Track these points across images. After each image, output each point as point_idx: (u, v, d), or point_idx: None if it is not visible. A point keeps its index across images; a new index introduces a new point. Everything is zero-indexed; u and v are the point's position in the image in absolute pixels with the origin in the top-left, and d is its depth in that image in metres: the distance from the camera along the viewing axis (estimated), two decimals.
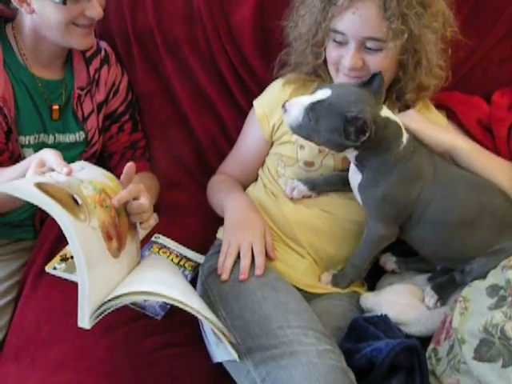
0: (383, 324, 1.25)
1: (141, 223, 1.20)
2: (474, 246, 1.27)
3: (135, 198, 1.16)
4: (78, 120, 1.51)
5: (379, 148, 1.22)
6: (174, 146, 1.71)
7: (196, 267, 1.47)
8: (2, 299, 1.38)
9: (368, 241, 1.32)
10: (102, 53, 1.54)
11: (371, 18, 1.25)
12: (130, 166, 1.17)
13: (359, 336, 1.23)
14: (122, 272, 1.10)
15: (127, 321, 1.29)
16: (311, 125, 1.20)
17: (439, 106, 1.50)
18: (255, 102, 1.51)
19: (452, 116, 1.50)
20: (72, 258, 1.37)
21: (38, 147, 1.44)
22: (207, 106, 1.70)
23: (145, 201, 1.17)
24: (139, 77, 1.66)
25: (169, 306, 1.31)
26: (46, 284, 1.38)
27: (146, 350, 1.25)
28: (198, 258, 1.50)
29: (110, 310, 1.00)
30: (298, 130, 1.24)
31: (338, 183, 1.39)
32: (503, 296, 1.10)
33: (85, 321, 0.97)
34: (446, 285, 1.33)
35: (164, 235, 1.55)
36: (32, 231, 1.56)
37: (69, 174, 1.04)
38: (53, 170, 1.05)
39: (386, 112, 1.22)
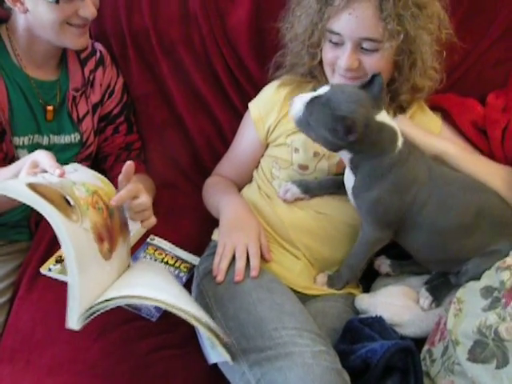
0: (378, 325, 1.25)
1: (142, 222, 1.20)
2: (470, 249, 1.27)
3: (135, 197, 1.16)
4: (73, 121, 1.51)
5: (373, 152, 1.22)
6: (170, 148, 1.71)
7: (191, 269, 1.47)
8: None
9: (362, 243, 1.33)
10: (97, 54, 1.53)
11: (367, 18, 1.26)
12: (129, 165, 1.17)
13: (354, 337, 1.23)
14: (112, 274, 1.10)
15: (122, 322, 1.29)
16: (307, 119, 1.22)
17: (434, 108, 1.51)
18: (250, 105, 1.51)
19: (447, 118, 1.50)
20: None
21: (33, 148, 1.43)
22: (203, 107, 1.70)
23: (145, 199, 1.18)
24: (135, 78, 1.66)
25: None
26: (41, 285, 1.37)
27: (140, 352, 1.25)
28: (194, 259, 1.50)
29: (99, 313, 1.00)
30: (298, 123, 1.25)
31: (332, 187, 1.39)
32: (497, 297, 1.10)
33: (73, 322, 0.97)
34: (441, 286, 1.33)
35: (159, 237, 1.55)
36: (27, 233, 1.56)
37: (61, 175, 1.04)
38: (46, 172, 1.05)
39: (382, 117, 1.22)
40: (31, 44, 1.40)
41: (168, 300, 1.02)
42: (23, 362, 1.23)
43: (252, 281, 1.24)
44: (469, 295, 1.17)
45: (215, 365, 1.20)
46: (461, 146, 1.45)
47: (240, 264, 1.26)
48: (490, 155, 1.45)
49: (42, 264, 1.40)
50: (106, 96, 1.57)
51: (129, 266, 1.20)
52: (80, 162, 1.53)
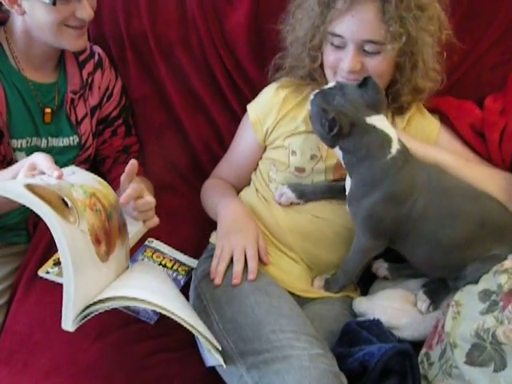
0: (376, 328, 1.25)
1: (144, 221, 1.21)
2: (471, 256, 1.26)
3: (139, 197, 1.17)
4: (71, 124, 1.51)
5: (359, 153, 1.22)
6: (168, 150, 1.71)
7: (189, 271, 1.47)
8: None
9: (356, 251, 1.32)
10: (96, 57, 1.54)
11: (370, 21, 1.26)
12: (132, 164, 1.17)
13: (352, 340, 1.23)
14: (109, 276, 1.10)
15: (120, 325, 1.29)
16: (312, 111, 1.26)
17: (432, 111, 1.51)
18: (249, 107, 1.51)
19: (445, 121, 1.50)
20: None
21: (31, 151, 1.43)
22: (201, 109, 1.70)
23: (150, 198, 1.19)
24: (133, 81, 1.66)
25: None
26: (38, 288, 1.37)
27: (138, 355, 1.24)
28: (192, 262, 1.50)
29: (94, 314, 1.00)
30: (309, 116, 1.29)
31: (327, 193, 1.39)
32: (495, 301, 1.10)
33: (68, 323, 0.97)
34: (439, 289, 1.33)
35: (157, 239, 1.55)
36: (25, 235, 1.56)
37: (59, 177, 1.04)
38: (44, 174, 1.05)
39: (375, 120, 1.22)
40: (29, 46, 1.40)
41: (161, 303, 1.02)
42: (21, 364, 1.22)
43: (250, 284, 1.24)
44: (467, 298, 1.17)
45: (213, 368, 1.21)
46: (458, 148, 1.45)
47: (238, 267, 1.26)
48: (488, 158, 1.45)
49: (40, 266, 1.40)
50: (105, 99, 1.57)
51: (127, 268, 1.20)
52: (78, 164, 1.54)
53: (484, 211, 1.27)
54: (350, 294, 1.42)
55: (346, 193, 1.29)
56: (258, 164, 1.52)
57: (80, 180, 1.11)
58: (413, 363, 1.17)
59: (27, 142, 1.45)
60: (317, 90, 1.27)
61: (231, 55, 1.64)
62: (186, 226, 1.62)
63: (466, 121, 1.48)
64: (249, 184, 1.54)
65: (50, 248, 1.43)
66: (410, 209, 1.23)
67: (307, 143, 1.39)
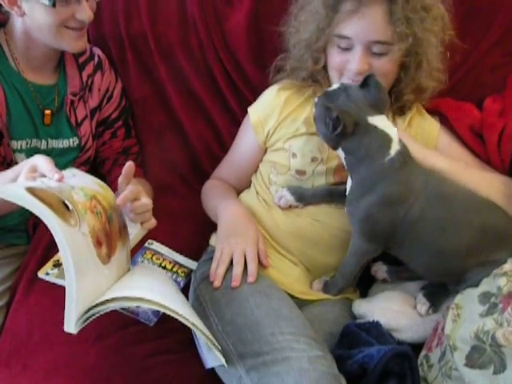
0: (375, 330, 1.25)
1: (142, 223, 1.21)
2: (472, 264, 1.25)
3: (136, 199, 1.17)
4: (71, 126, 1.51)
5: (359, 154, 1.22)
6: (168, 152, 1.71)
7: (189, 273, 1.47)
8: None
9: (352, 253, 1.32)
10: (96, 59, 1.54)
11: (378, 22, 1.27)
12: (129, 166, 1.17)
13: (351, 342, 1.22)
14: (110, 278, 1.10)
15: (119, 327, 1.28)
16: (316, 112, 1.26)
17: (432, 112, 1.51)
18: (250, 109, 1.51)
19: (444, 122, 1.50)
20: None
21: (31, 152, 1.43)
22: (200, 111, 1.70)
23: (146, 200, 1.19)
24: (133, 82, 1.66)
25: (161, 313, 1.31)
26: (38, 289, 1.37)
27: (137, 357, 1.24)
28: (191, 264, 1.50)
29: (97, 315, 1.00)
30: (314, 118, 1.29)
31: (326, 197, 1.38)
32: (494, 303, 1.10)
33: (71, 326, 0.97)
34: (438, 292, 1.33)
35: (157, 241, 1.55)
36: (25, 236, 1.56)
37: (60, 180, 1.04)
38: (44, 176, 1.05)
39: (376, 120, 1.22)
40: (29, 47, 1.40)
41: (164, 302, 1.02)
42: (20, 366, 1.22)
43: (249, 286, 1.23)
44: (467, 301, 1.17)
45: (212, 370, 1.20)
46: (458, 150, 1.45)
47: (237, 270, 1.25)
48: (487, 159, 1.45)
49: (40, 268, 1.40)
50: (105, 101, 1.57)
51: (128, 270, 1.20)
52: (78, 166, 1.54)
53: (485, 219, 1.25)
54: (350, 296, 1.42)
55: (347, 193, 1.29)
56: (258, 166, 1.52)
57: (80, 182, 1.11)
58: (412, 365, 1.16)
59: (27, 144, 1.45)
60: (320, 93, 1.28)
61: (231, 56, 1.64)
62: (186, 228, 1.62)
63: (464, 122, 1.49)
64: (249, 186, 1.54)
65: (50, 249, 1.43)
66: (406, 212, 1.22)
67: (308, 145, 1.39)
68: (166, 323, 1.29)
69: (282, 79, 1.50)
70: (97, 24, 1.59)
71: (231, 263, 1.28)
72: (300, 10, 1.40)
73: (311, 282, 1.40)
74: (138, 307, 1.32)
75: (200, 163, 1.74)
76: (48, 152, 1.47)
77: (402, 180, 1.23)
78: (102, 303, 1.00)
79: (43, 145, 1.48)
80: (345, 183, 1.31)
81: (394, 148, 1.22)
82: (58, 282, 1.36)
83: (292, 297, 1.30)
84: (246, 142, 1.53)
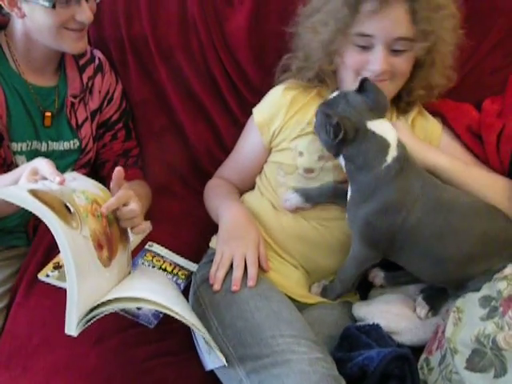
0: (375, 333, 1.24)
1: (132, 228, 1.20)
2: (474, 272, 1.24)
3: (125, 204, 1.16)
4: (72, 128, 1.51)
5: (358, 161, 1.22)
6: (168, 153, 1.71)
7: (189, 275, 1.47)
8: None
9: (352, 259, 1.32)
10: (96, 61, 1.54)
11: (401, 19, 1.28)
12: (118, 171, 1.17)
13: (351, 345, 1.22)
14: (111, 281, 1.10)
15: (119, 329, 1.28)
16: (316, 121, 1.28)
17: (431, 113, 1.51)
18: (254, 110, 1.49)
19: (443, 122, 1.50)
20: None
21: (31, 154, 1.44)
22: (201, 113, 1.70)
23: (135, 206, 1.17)
24: (134, 84, 1.66)
25: (162, 315, 1.31)
26: (38, 291, 1.37)
27: (137, 359, 1.24)
28: (191, 266, 1.50)
29: (98, 317, 1.00)
30: (314, 128, 1.32)
31: (332, 195, 1.37)
32: (495, 307, 1.10)
33: (72, 328, 0.97)
34: (438, 295, 1.33)
35: (157, 243, 1.55)
36: (25, 238, 1.55)
37: (61, 182, 1.04)
38: (45, 179, 1.05)
39: (375, 125, 1.22)
40: (29, 49, 1.40)
41: (166, 303, 1.02)
42: (20, 368, 1.22)
43: (249, 289, 1.23)
44: (468, 305, 1.17)
45: (212, 372, 1.20)
46: (459, 151, 1.45)
47: (237, 273, 1.25)
48: (486, 160, 1.45)
49: (40, 270, 1.40)
50: (105, 103, 1.57)
51: (129, 273, 1.20)
52: (79, 168, 1.54)
53: (487, 226, 1.24)
54: (350, 299, 1.42)
55: (347, 201, 1.29)
56: (262, 168, 1.51)
57: (81, 186, 1.11)
58: (412, 368, 1.17)
59: (27, 146, 1.45)
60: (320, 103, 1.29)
61: (232, 58, 1.64)
62: (186, 230, 1.62)
63: (462, 122, 1.48)
64: (253, 187, 1.53)
65: (50, 251, 1.43)
66: (404, 220, 1.21)
67: (314, 144, 1.37)
68: (167, 325, 1.29)
69: (287, 79, 1.49)
70: (97, 26, 1.59)
71: (231, 266, 1.28)
72: (315, 10, 1.39)
73: (310, 286, 1.40)
74: (138, 309, 1.32)
75: (200, 165, 1.74)
76: (48, 154, 1.47)
77: (398, 188, 1.22)
78: (103, 304, 1.00)
79: (43, 147, 1.48)
80: None
81: (391, 154, 1.21)
82: (59, 284, 1.36)
83: (292, 300, 1.30)
84: (250, 142, 1.52)
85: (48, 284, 1.37)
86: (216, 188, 1.56)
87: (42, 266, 1.41)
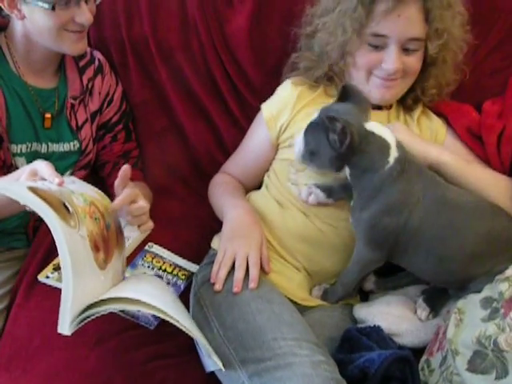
0: (376, 335, 1.24)
1: (139, 226, 1.21)
2: (476, 272, 1.24)
3: (133, 202, 1.17)
4: (72, 129, 1.50)
5: (363, 164, 1.21)
6: (168, 155, 1.71)
7: (189, 276, 1.47)
8: None
9: (355, 262, 1.31)
10: (96, 63, 1.54)
11: (414, 19, 1.30)
12: (125, 170, 1.17)
13: (352, 347, 1.22)
14: (106, 285, 1.09)
15: (119, 331, 1.28)
16: (309, 148, 1.23)
17: (434, 114, 1.51)
18: (263, 105, 1.49)
19: (446, 123, 1.50)
20: None
21: (31, 156, 1.43)
22: (201, 114, 1.70)
23: (143, 203, 1.19)
24: (134, 85, 1.66)
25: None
26: (38, 293, 1.37)
27: (137, 361, 1.24)
28: (192, 267, 1.50)
29: (92, 318, 1.00)
30: (302, 157, 1.27)
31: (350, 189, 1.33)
32: (496, 308, 1.10)
33: (65, 327, 0.96)
34: (438, 297, 1.33)
35: (157, 244, 1.55)
36: (25, 239, 1.55)
37: (60, 184, 1.04)
38: (44, 180, 1.06)
39: (371, 126, 1.21)
40: (29, 51, 1.40)
41: (160, 306, 1.02)
42: (20, 370, 1.22)
43: (250, 291, 1.23)
44: (470, 306, 1.17)
45: (212, 374, 1.20)
46: (462, 151, 1.45)
47: (239, 274, 1.25)
48: (486, 161, 1.45)
49: (40, 271, 1.40)
50: (105, 104, 1.57)
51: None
52: (79, 170, 1.54)
53: (491, 227, 1.24)
54: (350, 301, 1.41)
55: (351, 205, 1.28)
56: (270, 165, 1.50)
57: (80, 189, 1.12)
58: (413, 370, 1.17)
59: (27, 147, 1.45)
60: (302, 132, 1.26)
61: (232, 59, 1.64)
62: (186, 231, 1.62)
63: (463, 123, 1.49)
64: (258, 185, 1.52)
65: (50, 253, 1.43)
66: (406, 221, 1.21)
67: None
68: (166, 327, 1.28)
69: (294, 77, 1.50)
70: (98, 28, 1.59)
71: (233, 266, 1.27)
72: (328, 11, 1.39)
73: (311, 289, 1.40)
74: (138, 311, 1.32)
75: (201, 165, 1.73)
76: (48, 156, 1.47)
77: (400, 189, 1.21)
78: (99, 304, 1.00)
79: (43, 148, 1.48)
80: None
81: (393, 155, 1.21)
82: (59, 285, 1.35)
83: (293, 302, 1.29)
84: (257, 137, 1.52)
85: (48, 285, 1.37)
86: (222, 185, 1.55)
87: (41, 267, 1.41)
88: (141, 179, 1.65)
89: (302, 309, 1.32)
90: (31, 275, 1.40)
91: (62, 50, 1.39)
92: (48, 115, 1.46)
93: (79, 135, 1.51)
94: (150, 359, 1.25)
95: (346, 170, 1.25)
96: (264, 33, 1.61)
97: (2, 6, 1.29)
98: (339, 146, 1.16)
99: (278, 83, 1.52)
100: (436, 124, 1.48)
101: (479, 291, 1.19)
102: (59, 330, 0.96)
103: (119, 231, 1.20)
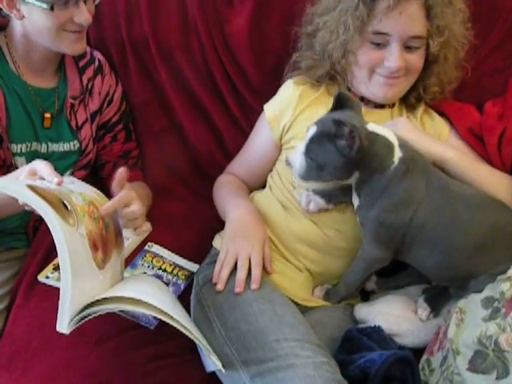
0: (377, 335, 1.25)
1: (134, 229, 1.21)
2: (480, 268, 1.24)
3: (127, 205, 1.16)
4: (71, 129, 1.50)
5: (372, 166, 1.19)
6: (169, 155, 1.71)
7: (189, 276, 1.47)
8: None
9: (361, 261, 1.31)
10: (96, 63, 1.54)
11: (416, 16, 1.31)
12: (121, 172, 1.17)
13: (353, 347, 1.23)
14: (104, 284, 1.09)
15: (119, 331, 1.28)
16: (315, 163, 1.20)
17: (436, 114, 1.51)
18: (266, 106, 1.49)
19: (449, 123, 1.50)
20: None
21: (31, 156, 1.43)
22: (201, 114, 1.70)
23: (136, 208, 1.17)
24: (134, 86, 1.66)
25: None
26: (38, 293, 1.37)
27: (137, 361, 1.24)
28: (192, 266, 1.50)
29: (90, 317, 1.00)
30: (308, 176, 1.22)
31: (350, 193, 1.32)
32: (497, 307, 1.10)
33: (63, 325, 0.96)
34: (439, 297, 1.33)
35: (157, 244, 1.54)
36: (25, 239, 1.55)
37: (59, 183, 1.04)
38: (44, 180, 1.06)
39: (372, 127, 1.20)
40: (29, 51, 1.40)
41: (160, 306, 1.02)
42: (20, 370, 1.22)
43: (252, 291, 1.22)
44: (471, 306, 1.17)
45: (213, 374, 1.20)
46: (465, 150, 1.45)
47: (241, 274, 1.24)
48: (488, 161, 1.45)
49: (40, 271, 1.40)
50: (105, 104, 1.57)
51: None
52: (79, 169, 1.54)
53: (495, 222, 1.24)
54: (351, 301, 1.41)
55: (355, 206, 1.28)
56: (274, 166, 1.50)
57: (79, 188, 1.12)
58: (414, 370, 1.17)
59: (27, 147, 1.45)
60: (301, 148, 1.22)
61: (232, 59, 1.64)
62: (187, 231, 1.61)
63: (464, 123, 1.49)
64: (263, 185, 1.52)
65: (50, 253, 1.43)
66: (412, 218, 1.21)
67: None
68: (167, 327, 1.27)
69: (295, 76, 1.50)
70: (98, 28, 1.59)
71: (235, 266, 1.27)
72: (329, 9, 1.39)
73: (313, 289, 1.40)
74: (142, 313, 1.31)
75: (201, 166, 1.73)
76: (48, 155, 1.47)
77: (405, 188, 1.21)
78: (97, 303, 1.00)
79: (43, 148, 1.48)
80: None
81: (397, 155, 1.20)
82: (59, 285, 1.31)
83: (294, 303, 1.29)
84: (260, 138, 1.52)
85: (48, 285, 1.37)
86: (225, 185, 1.55)
87: (41, 267, 1.41)
88: (141, 179, 1.65)
89: (304, 309, 1.32)
90: (31, 275, 1.40)
91: (60, 50, 1.39)
92: (48, 115, 1.46)
93: (79, 135, 1.51)
94: (150, 359, 1.25)
95: (355, 176, 1.22)
96: (264, 33, 1.61)
97: (1, 6, 1.29)
98: (349, 151, 1.14)
99: (277, 83, 1.52)
100: (439, 123, 1.48)
101: (480, 291, 1.19)
102: (58, 329, 0.96)
103: (118, 231, 1.20)
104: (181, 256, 1.53)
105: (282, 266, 1.37)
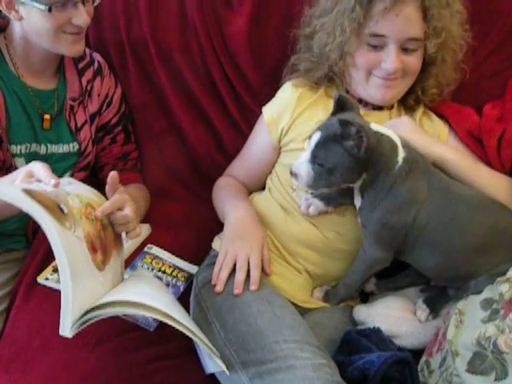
0: (375, 336, 1.25)
1: (127, 233, 1.20)
2: (480, 268, 1.24)
3: (120, 209, 1.16)
4: (71, 131, 1.50)
5: (379, 166, 1.19)
6: (168, 156, 1.71)
7: (189, 278, 1.47)
8: None
9: (361, 262, 1.31)
10: (95, 65, 1.54)
11: (413, 18, 1.30)
12: (112, 176, 1.16)
13: (352, 348, 1.22)
14: (105, 286, 1.09)
15: (119, 332, 1.28)
16: (324, 170, 1.18)
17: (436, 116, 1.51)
18: (264, 108, 1.49)
19: (448, 125, 1.51)
20: None
21: (30, 157, 1.43)
22: (201, 116, 1.70)
23: (129, 211, 1.16)
24: (133, 87, 1.66)
25: None
26: (37, 295, 1.37)
27: (137, 362, 1.24)
28: (191, 268, 1.50)
29: (92, 321, 0.99)
30: (317, 183, 1.20)
31: (350, 196, 1.32)
32: (496, 309, 1.10)
33: (66, 330, 0.95)
34: (438, 298, 1.33)
35: (157, 246, 1.54)
36: (24, 241, 1.55)
37: (56, 185, 1.04)
38: (40, 182, 1.06)
39: (377, 127, 1.20)
40: (28, 52, 1.40)
41: (163, 309, 1.01)
42: (20, 372, 1.22)
43: (252, 293, 1.22)
44: (470, 307, 1.17)
45: (212, 375, 1.20)
46: (464, 152, 1.45)
47: (240, 276, 1.24)
48: (487, 163, 1.44)
49: (39, 273, 1.40)
50: (104, 106, 1.57)
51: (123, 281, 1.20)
52: (79, 171, 1.54)
53: (495, 223, 1.25)
54: (350, 303, 1.41)
55: (357, 207, 1.28)
56: (273, 168, 1.49)
57: (76, 190, 1.12)
58: (412, 371, 1.17)
59: (26, 148, 1.45)
60: (306, 156, 1.20)
61: (231, 61, 1.64)
62: (186, 232, 1.62)
63: (464, 126, 1.49)
64: (262, 187, 1.52)
65: (50, 254, 1.41)
66: (414, 219, 1.21)
67: None
68: (167, 328, 1.27)
69: (294, 78, 1.50)
70: (97, 30, 1.59)
71: (234, 267, 1.27)
72: (326, 11, 1.39)
73: (312, 291, 1.40)
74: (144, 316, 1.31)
75: (200, 168, 1.73)
76: (47, 157, 1.47)
77: (408, 188, 1.21)
78: (100, 307, 1.00)
79: (43, 149, 1.48)
80: None
81: (401, 155, 1.20)
82: (58, 287, 1.33)
83: (293, 304, 1.29)
84: (259, 140, 1.51)
85: (47, 287, 1.37)
86: (225, 187, 1.55)
87: (41, 269, 1.41)
88: (139, 181, 1.65)
89: (303, 311, 1.32)
90: (31, 277, 1.40)
91: (59, 52, 1.39)
92: (47, 116, 1.46)
93: (78, 136, 1.51)
94: (149, 361, 1.25)
95: (362, 177, 1.21)
96: (263, 35, 1.61)
97: (1, 7, 1.29)
98: (357, 150, 1.14)
99: (277, 85, 1.52)
100: (438, 125, 1.48)
101: (479, 292, 1.19)
102: (61, 333, 0.96)
103: (117, 232, 1.19)
104: (180, 257, 1.53)
105: (282, 267, 1.37)
